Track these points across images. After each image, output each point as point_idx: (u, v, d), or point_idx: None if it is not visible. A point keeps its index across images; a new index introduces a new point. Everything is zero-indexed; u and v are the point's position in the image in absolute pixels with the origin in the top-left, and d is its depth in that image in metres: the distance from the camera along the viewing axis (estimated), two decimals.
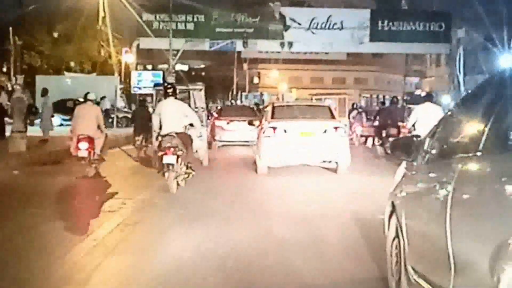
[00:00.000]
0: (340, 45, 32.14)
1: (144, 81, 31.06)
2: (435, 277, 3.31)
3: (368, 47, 32.41)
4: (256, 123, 17.25)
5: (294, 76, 63.41)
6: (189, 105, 12.68)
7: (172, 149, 9.23)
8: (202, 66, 65.45)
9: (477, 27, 28.72)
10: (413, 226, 3.80)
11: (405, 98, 42.09)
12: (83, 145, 10.81)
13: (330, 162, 12.36)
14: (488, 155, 2.88)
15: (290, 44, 31.66)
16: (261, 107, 27.55)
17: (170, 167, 9.22)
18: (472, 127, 3.26)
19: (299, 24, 31.24)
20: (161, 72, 31.25)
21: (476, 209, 2.78)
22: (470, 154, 3.01)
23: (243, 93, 57.30)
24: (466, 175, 3.02)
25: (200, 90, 14.72)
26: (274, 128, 12.12)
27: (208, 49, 32.51)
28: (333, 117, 12.83)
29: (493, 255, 2.41)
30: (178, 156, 9.31)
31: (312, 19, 31.21)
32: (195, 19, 31.30)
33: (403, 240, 3.94)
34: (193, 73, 58.99)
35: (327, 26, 31.16)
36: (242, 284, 4.73)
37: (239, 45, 32.01)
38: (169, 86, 10.59)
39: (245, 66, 56.91)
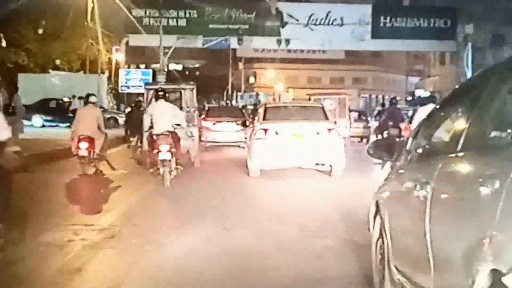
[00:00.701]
0: (339, 42, 30.60)
1: (132, 80, 29.39)
2: (416, 277, 3.38)
3: (369, 45, 30.93)
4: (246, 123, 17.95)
5: (291, 75, 62.20)
6: (181, 105, 13.70)
7: (168, 147, 10.20)
8: (197, 65, 64.16)
9: (486, 23, 27.32)
10: (396, 226, 3.85)
11: (407, 98, 40.74)
12: (83, 144, 11.26)
13: (323, 164, 12.14)
14: (466, 155, 2.93)
15: (287, 41, 30.32)
16: (258, 107, 26.42)
17: (166, 162, 10.19)
18: (453, 127, 3.33)
19: (297, 20, 29.85)
20: (150, 71, 29.61)
21: (453, 209, 2.85)
22: (449, 154, 3.08)
23: (239, 93, 55.83)
24: (444, 175, 3.08)
25: (192, 90, 14.56)
26: (266, 130, 11.89)
27: (201, 46, 31.11)
28: (326, 118, 12.47)
29: (468, 256, 2.47)
30: (172, 153, 10.31)
31: (311, 15, 29.85)
32: (187, 15, 29.95)
33: (387, 239, 4.00)
34: (187, 73, 57.63)
35: (326, 22, 29.77)
36: None
37: (233, 42, 30.57)
38: (160, 89, 11.71)
39: (241, 65, 55.33)
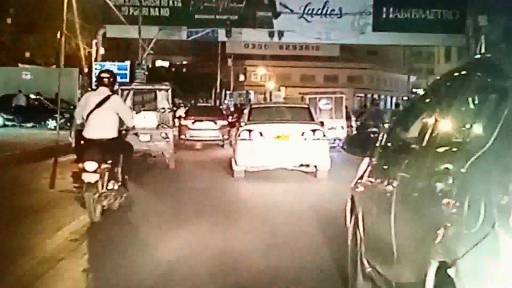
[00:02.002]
0: (338, 35, 27.86)
1: None
2: (384, 270, 3.61)
3: (370, 38, 28.21)
4: (219, 123, 20.65)
5: (283, 73, 59.97)
6: (156, 106, 13.89)
7: None
8: (185, 62, 61.67)
9: (498, 14, 24.80)
10: (368, 220, 4.04)
11: (406, 97, 38.50)
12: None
13: (308, 166, 12.33)
14: (427, 152, 3.08)
15: (281, 33, 27.71)
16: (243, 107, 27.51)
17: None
18: (420, 124, 3.47)
19: (291, 10, 27.29)
20: (127, 65, 26.72)
21: (413, 205, 3.03)
22: (414, 151, 3.31)
23: (228, 92, 53.22)
24: (408, 172, 3.28)
25: (167, 90, 14.64)
26: (250, 131, 12.08)
27: (186, 38, 28.58)
28: (312, 119, 12.74)
29: (424, 249, 2.62)
30: None
31: (306, 5, 27.18)
32: (171, 4, 27.24)
33: (360, 234, 4.20)
34: (173, 69, 55.11)
35: (323, 13, 27.09)
36: None
37: (221, 34, 28.02)
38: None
39: (230, 61, 52.68)
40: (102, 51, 31.73)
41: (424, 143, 3.13)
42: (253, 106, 14.36)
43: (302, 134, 11.96)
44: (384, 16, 27.00)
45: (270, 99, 48.76)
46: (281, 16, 27.17)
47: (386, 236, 3.30)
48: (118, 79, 25.61)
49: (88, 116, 7.63)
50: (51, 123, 21.23)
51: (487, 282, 2.10)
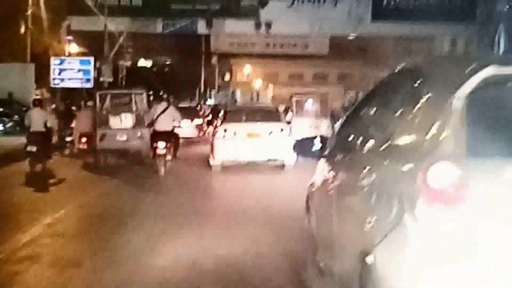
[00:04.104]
0: (333, 26, 25.08)
1: (68, 71, 23.25)
2: (329, 263, 3.90)
3: (369, 29, 25.34)
4: (195, 121, 23.23)
5: (270, 72, 57.04)
6: (132, 108, 15.83)
7: (36, 142, 13.10)
8: (168, 62, 58.94)
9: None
10: (318, 219, 4.37)
11: None
12: (85, 139, 15.04)
13: (276, 160, 13.96)
14: (360, 153, 3.39)
15: (268, 25, 24.95)
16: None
17: (31, 154, 12.99)
18: (359, 126, 3.82)
19: None
20: (91, 59, 23.54)
21: (349, 202, 3.34)
22: (352, 151, 3.58)
23: (212, 92, 50.40)
24: (345, 171, 3.61)
25: (141, 94, 16.20)
26: (225, 130, 13.98)
27: (161, 31, 25.59)
28: (279, 119, 14.69)
29: (353, 242, 2.95)
30: (37, 148, 13.03)
31: None
32: None
33: (313, 233, 4.55)
34: (155, 69, 52.17)
35: (316, 0, 24.10)
36: None
37: (201, 26, 25.22)
38: (36, 97, 15.84)
39: (214, 59, 49.81)
40: (75, 48, 28.84)
41: (359, 143, 3.45)
42: (227, 109, 16.55)
43: (271, 133, 13.84)
44: (384, 3, 24.39)
45: (257, 99, 46.35)
46: (269, 5, 24.52)
47: (330, 230, 3.58)
48: (81, 75, 23.40)
49: (156, 118, 13.00)
50: None
51: (398, 268, 2.40)
